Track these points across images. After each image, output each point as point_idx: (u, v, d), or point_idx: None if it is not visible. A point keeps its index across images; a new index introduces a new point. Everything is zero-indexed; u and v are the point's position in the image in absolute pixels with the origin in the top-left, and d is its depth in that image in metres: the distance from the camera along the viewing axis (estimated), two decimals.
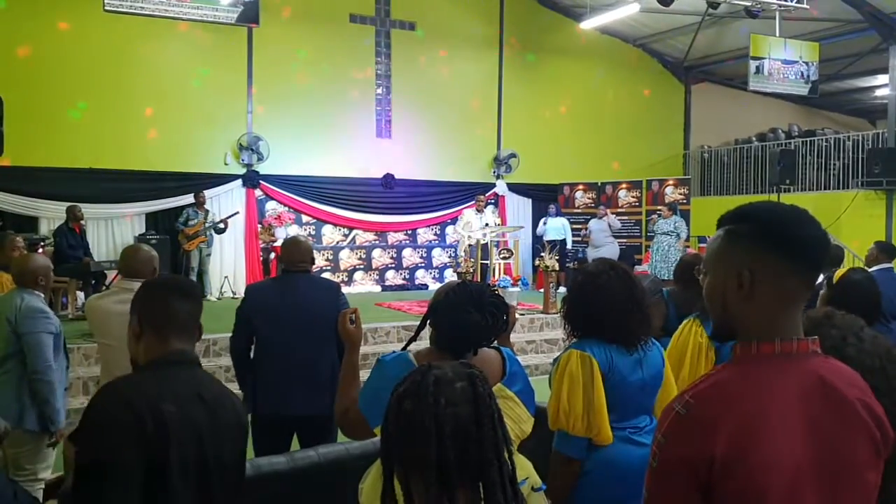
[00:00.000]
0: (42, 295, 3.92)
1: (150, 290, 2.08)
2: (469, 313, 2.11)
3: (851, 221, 11.51)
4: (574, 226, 13.22)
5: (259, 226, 11.69)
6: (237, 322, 3.90)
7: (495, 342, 2.29)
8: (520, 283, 11.91)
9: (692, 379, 2.92)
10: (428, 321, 2.25)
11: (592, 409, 2.47)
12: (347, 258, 12.59)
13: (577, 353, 2.55)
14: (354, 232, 12.67)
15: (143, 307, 2.02)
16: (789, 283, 1.35)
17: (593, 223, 12.40)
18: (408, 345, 2.34)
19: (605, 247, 12.31)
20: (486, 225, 11.37)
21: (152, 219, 11.06)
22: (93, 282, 9.00)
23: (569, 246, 12.72)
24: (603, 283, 2.58)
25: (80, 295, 9.15)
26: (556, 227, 12.73)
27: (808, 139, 14.06)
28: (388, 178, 12.66)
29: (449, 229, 13.44)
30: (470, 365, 1.46)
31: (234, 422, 1.99)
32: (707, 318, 3.02)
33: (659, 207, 12.18)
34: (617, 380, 2.53)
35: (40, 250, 8.19)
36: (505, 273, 11.37)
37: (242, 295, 4.13)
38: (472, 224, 11.38)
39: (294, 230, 11.97)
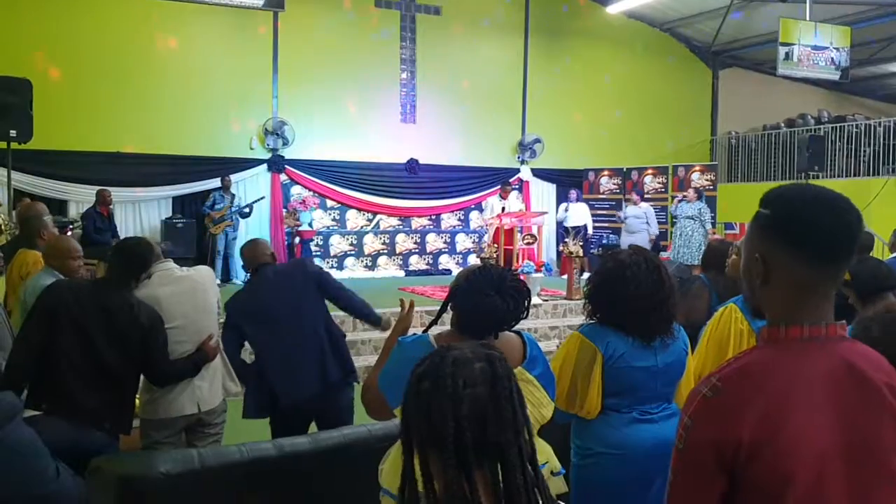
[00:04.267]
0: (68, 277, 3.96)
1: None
2: (489, 297, 2.11)
3: (881, 209, 11.30)
4: (599, 212, 13.13)
5: (284, 210, 11.76)
6: (227, 328, 3.88)
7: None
8: (543, 268, 11.87)
9: None
10: (449, 304, 2.27)
11: (576, 392, 2.52)
12: (371, 243, 12.63)
13: (578, 339, 2.58)
14: (378, 217, 12.68)
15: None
16: (801, 272, 1.33)
17: (630, 209, 12.29)
18: (429, 328, 2.36)
19: (640, 233, 12.21)
20: (503, 209, 11.34)
21: (179, 202, 11.15)
22: None
23: (590, 232, 12.62)
24: (630, 276, 2.53)
25: None
26: (578, 213, 12.67)
27: (837, 125, 13.81)
28: (413, 163, 12.66)
29: (473, 214, 13.43)
30: (490, 346, 1.46)
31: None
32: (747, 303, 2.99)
33: (685, 194, 12.04)
34: (621, 366, 2.52)
35: (69, 233, 8.30)
36: (529, 259, 11.34)
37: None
38: (496, 210, 11.36)
39: (318, 215, 12.05)
